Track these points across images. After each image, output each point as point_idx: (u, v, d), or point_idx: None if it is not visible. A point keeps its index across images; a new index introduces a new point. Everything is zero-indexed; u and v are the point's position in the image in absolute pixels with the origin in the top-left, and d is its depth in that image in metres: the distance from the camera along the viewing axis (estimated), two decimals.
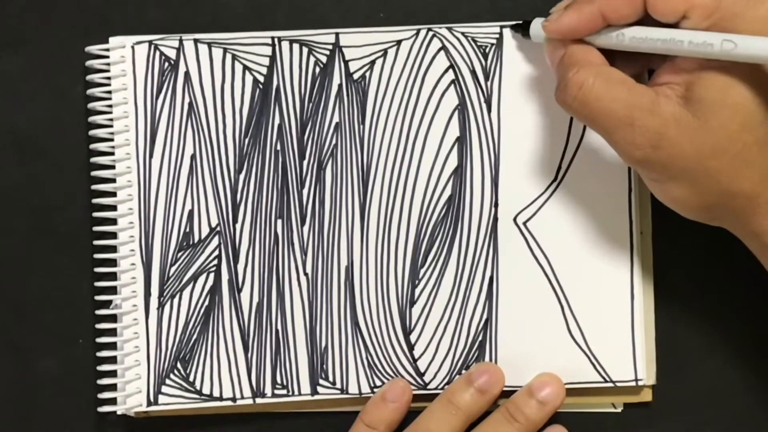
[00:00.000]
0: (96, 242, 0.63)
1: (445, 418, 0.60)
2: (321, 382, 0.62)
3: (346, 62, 0.63)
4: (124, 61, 0.63)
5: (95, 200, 0.63)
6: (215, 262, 0.63)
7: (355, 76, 0.63)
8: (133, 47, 0.63)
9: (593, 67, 0.54)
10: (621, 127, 0.53)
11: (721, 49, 0.50)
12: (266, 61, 0.63)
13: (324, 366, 0.62)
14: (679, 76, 0.53)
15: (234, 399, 0.62)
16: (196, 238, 0.63)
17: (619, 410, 0.64)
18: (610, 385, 0.62)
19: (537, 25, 0.58)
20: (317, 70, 0.63)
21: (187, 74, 0.63)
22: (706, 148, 0.52)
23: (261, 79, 0.63)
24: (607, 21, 0.54)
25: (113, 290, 0.63)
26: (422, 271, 0.62)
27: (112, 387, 0.63)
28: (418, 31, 0.63)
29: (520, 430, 0.60)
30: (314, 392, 0.62)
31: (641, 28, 0.54)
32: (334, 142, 0.63)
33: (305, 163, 0.63)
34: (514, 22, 0.62)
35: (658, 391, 0.63)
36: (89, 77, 0.63)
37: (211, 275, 0.63)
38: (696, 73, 0.52)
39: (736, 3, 0.51)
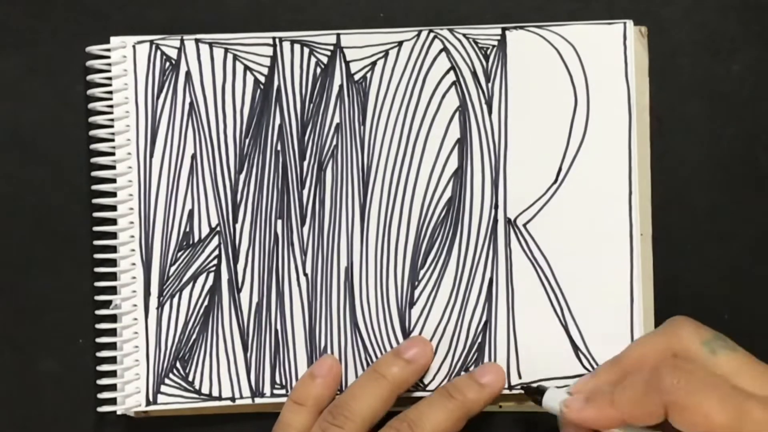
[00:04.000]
0: (96, 242, 0.63)
1: (372, 387, 0.60)
2: None
3: (347, 63, 0.63)
4: (125, 60, 0.63)
5: (95, 200, 0.63)
6: (215, 261, 0.63)
7: (356, 77, 0.63)
8: (134, 47, 0.63)
9: None
10: None
11: None
12: (267, 62, 0.63)
13: None
14: None
15: (233, 399, 0.62)
16: (196, 238, 0.63)
17: None
18: None
19: (552, 398, 0.58)
20: (318, 70, 0.63)
21: (188, 74, 0.63)
22: None
23: (262, 79, 0.63)
24: (626, 423, 0.54)
25: (113, 290, 0.63)
26: (422, 272, 0.62)
27: (112, 387, 0.63)
28: (420, 32, 0.63)
29: (456, 406, 0.59)
30: None
31: None
32: (334, 142, 0.63)
33: (305, 163, 0.63)
34: (527, 385, 0.61)
35: None
36: (90, 77, 0.63)
37: (211, 275, 0.63)
38: None
39: (758, 430, 0.50)
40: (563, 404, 0.56)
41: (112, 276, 0.63)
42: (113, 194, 0.63)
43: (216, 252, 0.63)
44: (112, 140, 0.63)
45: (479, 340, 0.62)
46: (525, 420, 0.64)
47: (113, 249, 0.63)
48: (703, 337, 0.55)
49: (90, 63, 0.63)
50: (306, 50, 0.63)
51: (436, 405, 0.59)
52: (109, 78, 0.63)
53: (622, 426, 0.54)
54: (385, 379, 0.60)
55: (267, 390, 0.62)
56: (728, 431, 0.50)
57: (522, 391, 0.61)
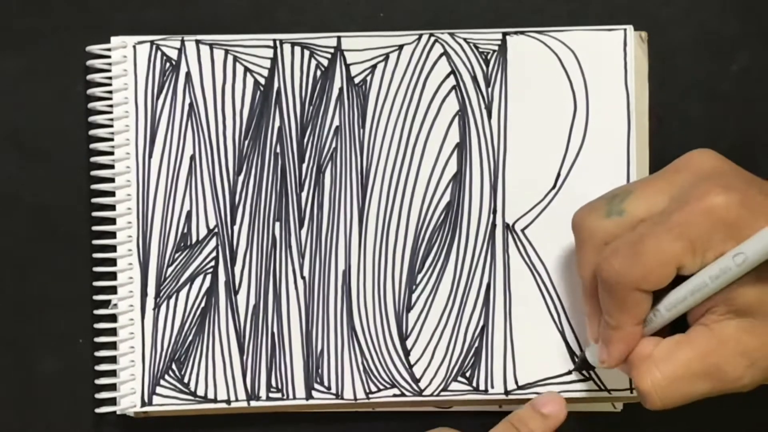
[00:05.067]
0: (95, 242, 0.63)
1: None
2: (316, 386, 0.62)
3: (347, 66, 0.63)
4: (125, 60, 0.63)
5: (94, 200, 0.63)
6: (212, 263, 0.63)
7: (356, 80, 0.63)
8: (134, 47, 0.63)
9: (648, 360, 0.54)
10: (715, 380, 0.53)
11: (737, 266, 0.50)
12: (267, 64, 0.63)
13: (319, 370, 0.62)
14: (713, 300, 0.53)
15: (228, 401, 0.62)
16: (194, 239, 0.63)
17: (618, 410, 0.64)
18: (606, 393, 0.62)
19: (593, 353, 0.59)
20: (318, 73, 0.63)
21: (188, 75, 0.63)
22: None
23: (262, 81, 0.63)
24: (641, 324, 0.55)
25: (112, 290, 0.63)
26: (419, 276, 0.62)
27: (111, 387, 0.63)
28: (420, 36, 0.63)
29: None
30: (309, 397, 0.62)
31: (668, 299, 0.54)
32: (333, 145, 0.63)
33: (304, 166, 0.63)
34: (576, 365, 0.62)
35: None
36: (90, 77, 0.63)
37: (208, 277, 0.63)
38: (725, 288, 0.52)
39: (698, 224, 0.51)
40: (599, 361, 0.57)
41: (111, 276, 0.63)
42: (112, 194, 0.63)
43: (213, 254, 0.63)
44: (112, 140, 0.63)
45: (476, 344, 0.62)
46: None
47: (112, 249, 0.63)
48: (603, 212, 0.55)
49: (90, 62, 0.63)
50: (306, 52, 0.63)
51: None
52: (109, 78, 0.63)
53: (648, 328, 0.55)
54: None
55: (263, 393, 0.62)
56: (688, 249, 0.51)
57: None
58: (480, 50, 0.63)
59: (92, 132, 0.63)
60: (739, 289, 0.51)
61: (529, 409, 0.60)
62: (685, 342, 0.54)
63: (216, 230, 0.63)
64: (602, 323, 0.56)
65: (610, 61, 0.62)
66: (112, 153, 0.63)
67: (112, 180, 0.63)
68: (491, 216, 0.62)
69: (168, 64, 0.63)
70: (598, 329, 0.57)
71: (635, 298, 0.53)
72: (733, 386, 0.53)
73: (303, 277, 0.63)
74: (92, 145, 0.63)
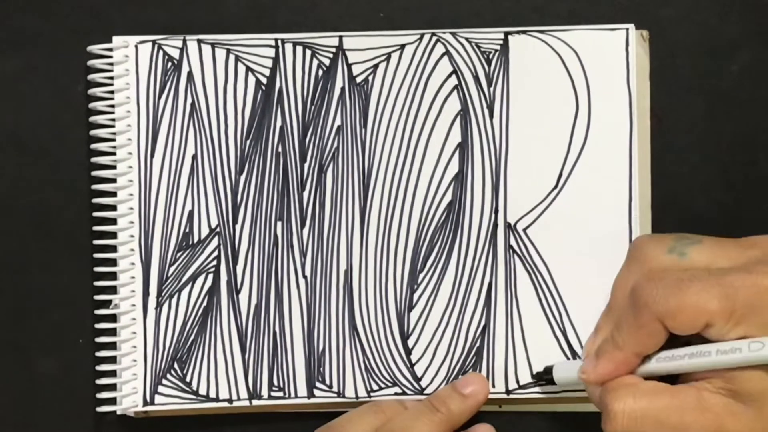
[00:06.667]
0: (96, 242, 0.63)
1: (427, 418, 0.60)
2: (318, 385, 0.62)
3: (349, 65, 0.63)
4: (127, 60, 0.63)
5: (95, 200, 0.63)
6: (214, 263, 0.63)
7: (358, 80, 0.63)
8: (136, 47, 0.63)
9: (630, 387, 0.54)
10: None
11: (750, 351, 0.50)
12: (269, 63, 0.63)
13: (321, 369, 0.62)
14: (715, 372, 0.52)
15: (230, 400, 0.62)
16: (196, 239, 0.63)
17: None
18: None
19: (563, 371, 0.60)
20: (320, 72, 0.63)
21: (190, 74, 0.63)
22: None
23: (264, 80, 0.63)
24: (640, 358, 0.55)
25: (113, 290, 0.63)
26: (421, 275, 0.62)
27: (111, 387, 0.63)
28: (422, 35, 0.63)
29: (441, 419, 0.60)
30: (311, 395, 0.62)
31: (667, 351, 0.54)
32: (335, 145, 0.63)
33: (306, 165, 0.63)
34: (535, 375, 0.62)
35: None
36: (91, 77, 0.63)
37: (210, 276, 0.63)
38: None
39: (749, 295, 0.51)
40: (580, 372, 0.57)
41: (112, 276, 0.63)
42: (113, 194, 0.63)
43: (215, 253, 0.63)
44: (113, 140, 0.63)
45: (478, 344, 0.62)
46: (525, 420, 0.64)
47: (113, 249, 0.63)
48: (667, 246, 0.55)
49: (91, 62, 0.63)
50: (308, 52, 0.63)
51: (421, 418, 0.59)
52: (111, 78, 0.63)
53: (642, 363, 0.55)
54: (441, 414, 0.60)
55: (264, 392, 0.62)
56: (726, 311, 0.51)
57: (534, 380, 0.62)
58: (482, 50, 0.63)
59: (93, 132, 0.63)
60: (746, 373, 0.51)
61: (449, 389, 0.61)
62: (670, 392, 0.53)
63: (218, 230, 0.63)
64: (607, 338, 0.56)
65: (612, 60, 0.62)
66: (113, 153, 0.63)
67: (113, 180, 0.63)
68: (493, 215, 0.62)
69: (170, 64, 0.63)
70: (597, 344, 0.57)
71: (654, 328, 0.53)
72: None
73: (305, 277, 0.63)
74: (93, 146, 0.63)
